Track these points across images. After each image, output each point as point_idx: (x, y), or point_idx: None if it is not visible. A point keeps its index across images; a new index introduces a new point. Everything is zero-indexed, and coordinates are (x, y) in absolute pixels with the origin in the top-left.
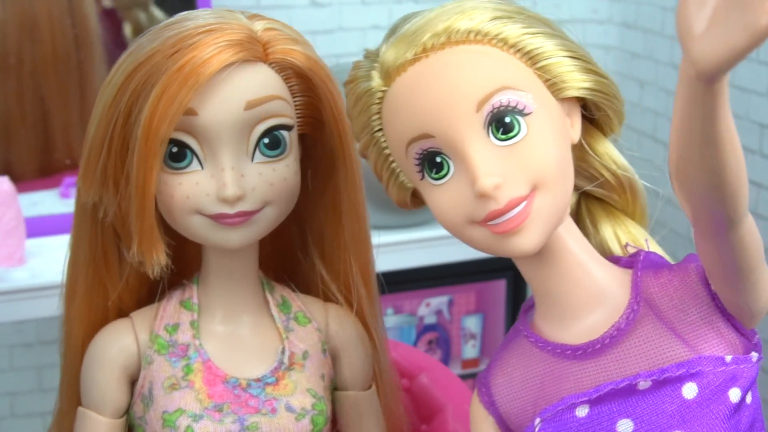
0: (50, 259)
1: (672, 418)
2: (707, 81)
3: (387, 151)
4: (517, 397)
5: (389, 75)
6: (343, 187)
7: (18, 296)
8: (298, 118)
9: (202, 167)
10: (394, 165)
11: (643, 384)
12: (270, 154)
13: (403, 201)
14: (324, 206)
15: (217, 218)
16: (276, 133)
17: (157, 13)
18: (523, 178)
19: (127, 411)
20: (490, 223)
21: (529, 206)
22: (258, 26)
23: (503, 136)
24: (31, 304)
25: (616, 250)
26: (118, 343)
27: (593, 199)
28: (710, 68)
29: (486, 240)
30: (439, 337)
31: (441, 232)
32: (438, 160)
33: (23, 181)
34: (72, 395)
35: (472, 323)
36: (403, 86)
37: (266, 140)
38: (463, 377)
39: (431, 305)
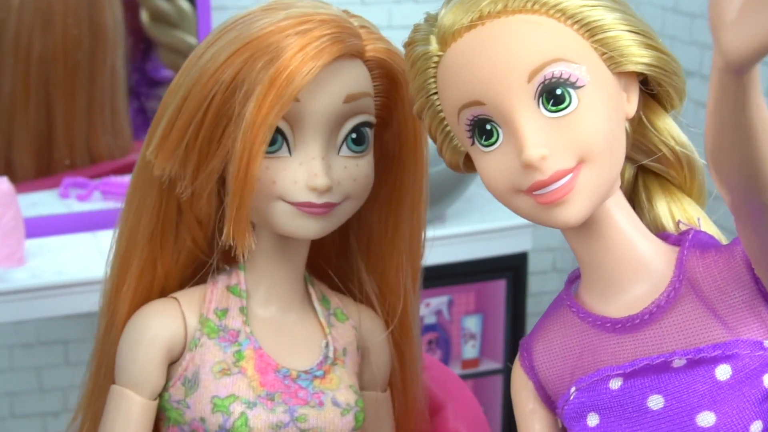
0: (50, 260)
1: (703, 398)
2: (736, 72)
3: (441, 114)
4: (556, 364)
5: (445, 40)
6: (409, 185)
7: (17, 296)
8: None
9: (291, 154)
10: (448, 129)
11: (678, 362)
12: (355, 149)
13: (456, 164)
14: (379, 206)
15: (302, 206)
16: (362, 129)
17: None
18: (570, 150)
19: (160, 394)
20: (535, 193)
21: (575, 179)
22: (354, 22)
23: (553, 108)
24: (31, 305)
25: (670, 227)
26: (164, 323)
27: (651, 174)
28: (738, 59)
29: (530, 209)
30: (438, 337)
31: (441, 232)
32: (488, 127)
33: (23, 181)
34: (108, 375)
35: (472, 323)
36: (458, 52)
37: (354, 135)
38: (463, 377)
39: (431, 305)
